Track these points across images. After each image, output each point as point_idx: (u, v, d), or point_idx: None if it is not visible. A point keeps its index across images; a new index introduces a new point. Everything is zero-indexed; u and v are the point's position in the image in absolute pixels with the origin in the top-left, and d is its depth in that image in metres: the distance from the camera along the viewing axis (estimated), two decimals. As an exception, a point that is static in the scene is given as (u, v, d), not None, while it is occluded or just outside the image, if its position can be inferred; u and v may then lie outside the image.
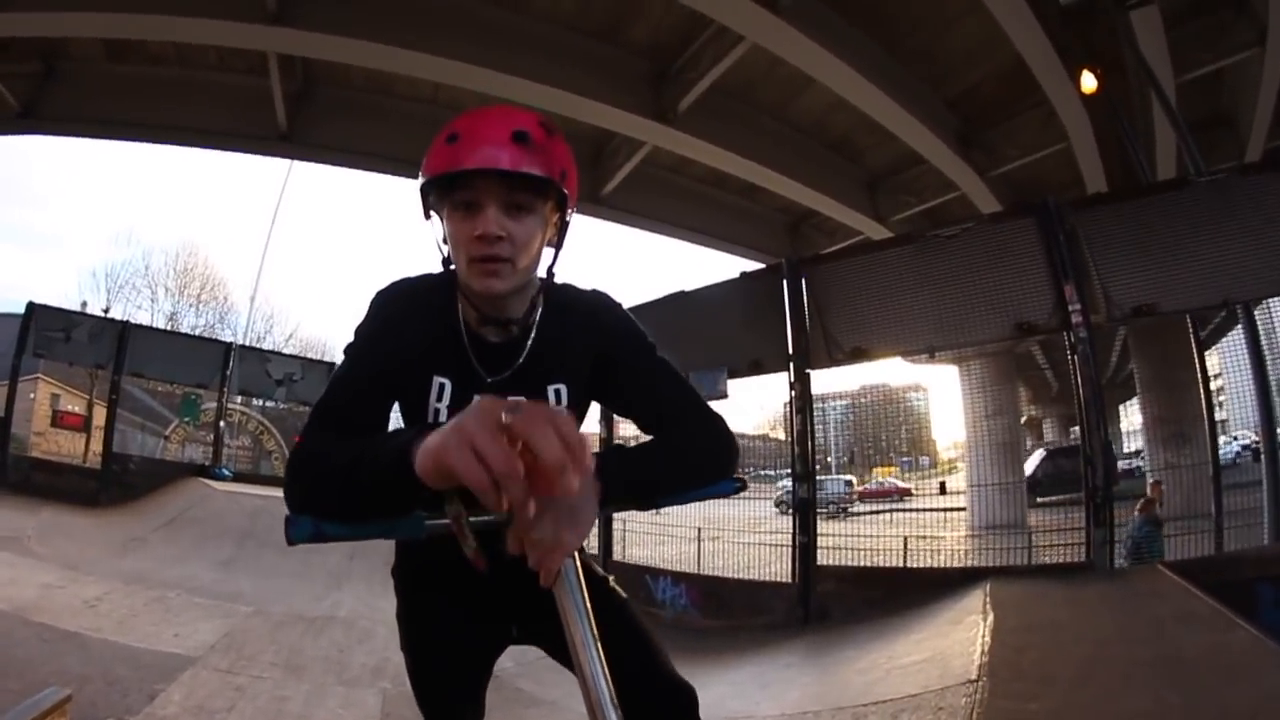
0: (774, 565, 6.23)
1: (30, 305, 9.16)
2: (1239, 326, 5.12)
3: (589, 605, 0.76)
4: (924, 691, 2.83)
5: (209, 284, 24.69)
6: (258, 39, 8.12)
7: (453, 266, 0.95)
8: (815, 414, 5.98)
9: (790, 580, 5.64)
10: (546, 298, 1.03)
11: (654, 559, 7.17)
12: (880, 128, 9.67)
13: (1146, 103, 8.36)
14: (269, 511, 6.42)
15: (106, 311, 17.56)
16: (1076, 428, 5.55)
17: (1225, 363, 5.66)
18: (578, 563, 0.77)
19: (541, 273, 1.00)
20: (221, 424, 10.32)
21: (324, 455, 0.84)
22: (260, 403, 11.65)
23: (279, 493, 0.90)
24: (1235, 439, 6.85)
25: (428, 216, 0.96)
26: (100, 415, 9.84)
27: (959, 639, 3.35)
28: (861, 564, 5.64)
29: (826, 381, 6.03)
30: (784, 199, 11.63)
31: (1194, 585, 3.41)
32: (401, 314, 0.99)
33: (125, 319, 11.11)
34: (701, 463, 0.96)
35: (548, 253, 0.99)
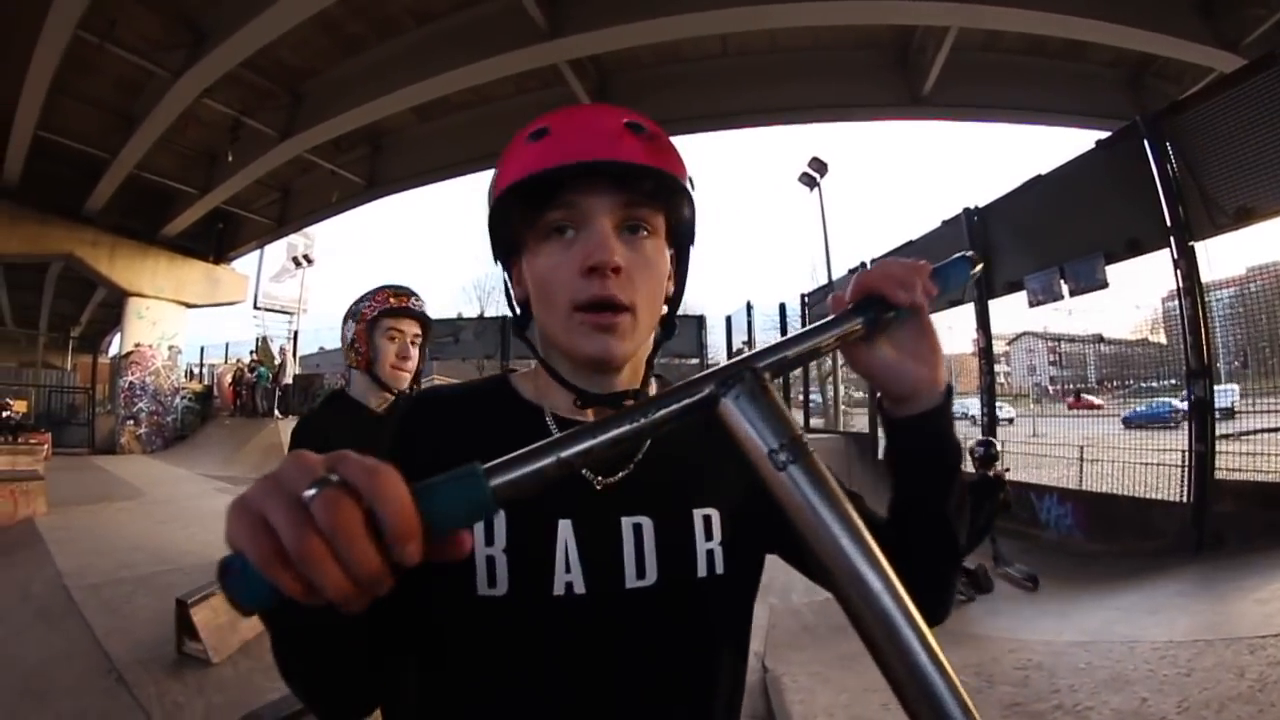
0: (1160, 487, 5.56)
1: (422, 320, 13.28)
2: None
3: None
4: (1331, 635, 2.60)
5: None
6: (543, 55, 9.08)
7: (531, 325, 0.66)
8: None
9: (1182, 499, 5.05)
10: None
11: (1032, 480, 6.92)
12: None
13: None
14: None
15: (481, 315, 22.34)
16: None
17: None
18: None
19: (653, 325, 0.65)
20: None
21: None
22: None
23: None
24: None
25: (498, 260, 0.66)
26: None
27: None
28: (1269, 480, 4.62)
29: (1205, 269, 5.20)
30: (1111, 50, 9.33)
31: None
32: (430, 440, 0.64)
33: (503, 314, 14.19)
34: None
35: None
